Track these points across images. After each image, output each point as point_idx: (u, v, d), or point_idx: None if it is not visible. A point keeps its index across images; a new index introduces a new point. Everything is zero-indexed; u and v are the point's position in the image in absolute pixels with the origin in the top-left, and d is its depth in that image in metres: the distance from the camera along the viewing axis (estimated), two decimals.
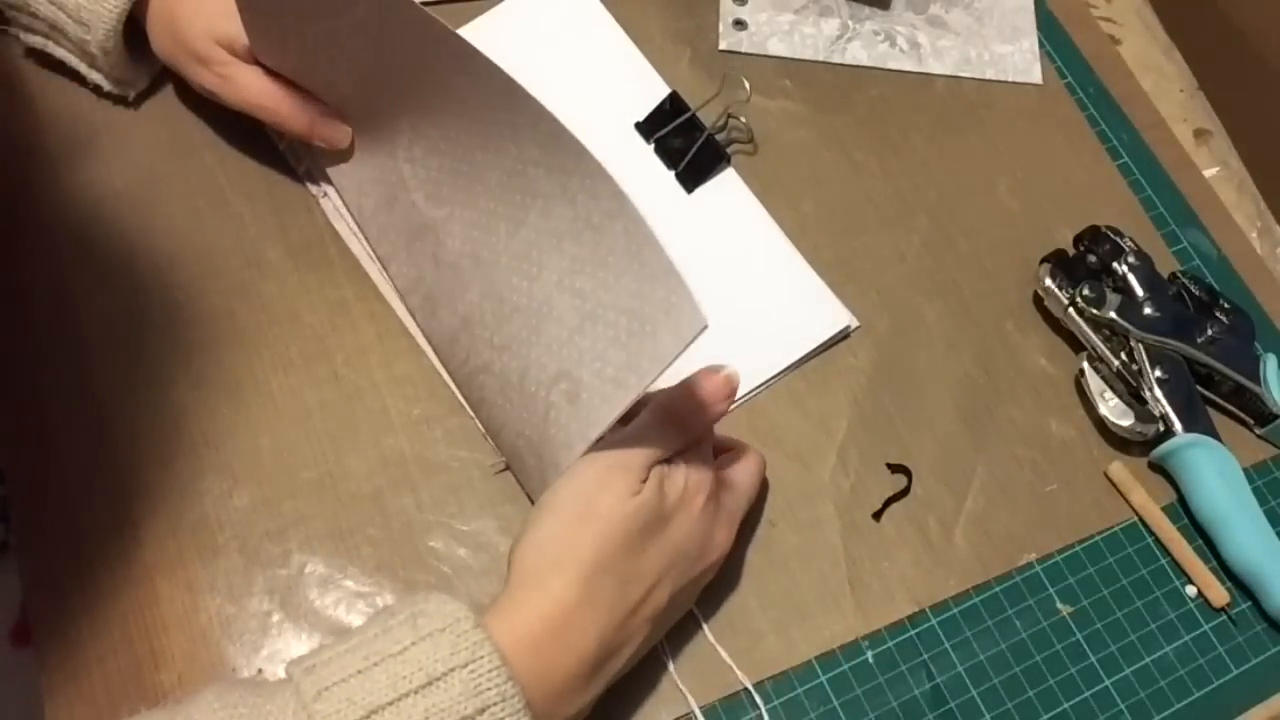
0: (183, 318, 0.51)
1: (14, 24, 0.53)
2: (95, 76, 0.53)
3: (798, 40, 0.65)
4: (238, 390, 0.50)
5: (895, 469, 0.54)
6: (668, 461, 0.44)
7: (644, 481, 0.43)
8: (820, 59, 0.65)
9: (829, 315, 0.56)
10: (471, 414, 0.51)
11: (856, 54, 0.65)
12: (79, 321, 0.51)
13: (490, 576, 0.48)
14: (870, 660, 0.49)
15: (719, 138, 0.59)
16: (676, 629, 0.48)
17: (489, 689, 0.37)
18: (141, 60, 0.53)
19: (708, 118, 0.59)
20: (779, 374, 0.55)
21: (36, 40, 0.53)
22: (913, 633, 0.50)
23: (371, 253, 0.54)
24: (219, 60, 0.50)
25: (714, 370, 0.46)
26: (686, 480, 0.44)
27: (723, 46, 0.64)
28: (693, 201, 0.58)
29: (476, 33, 0.61)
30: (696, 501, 0.44)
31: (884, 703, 0.49)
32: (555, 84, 0.58)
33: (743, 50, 0.64)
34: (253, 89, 0.51)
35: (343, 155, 0.54)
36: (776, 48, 0.65)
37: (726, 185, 0.59)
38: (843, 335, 0.56)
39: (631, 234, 0.43)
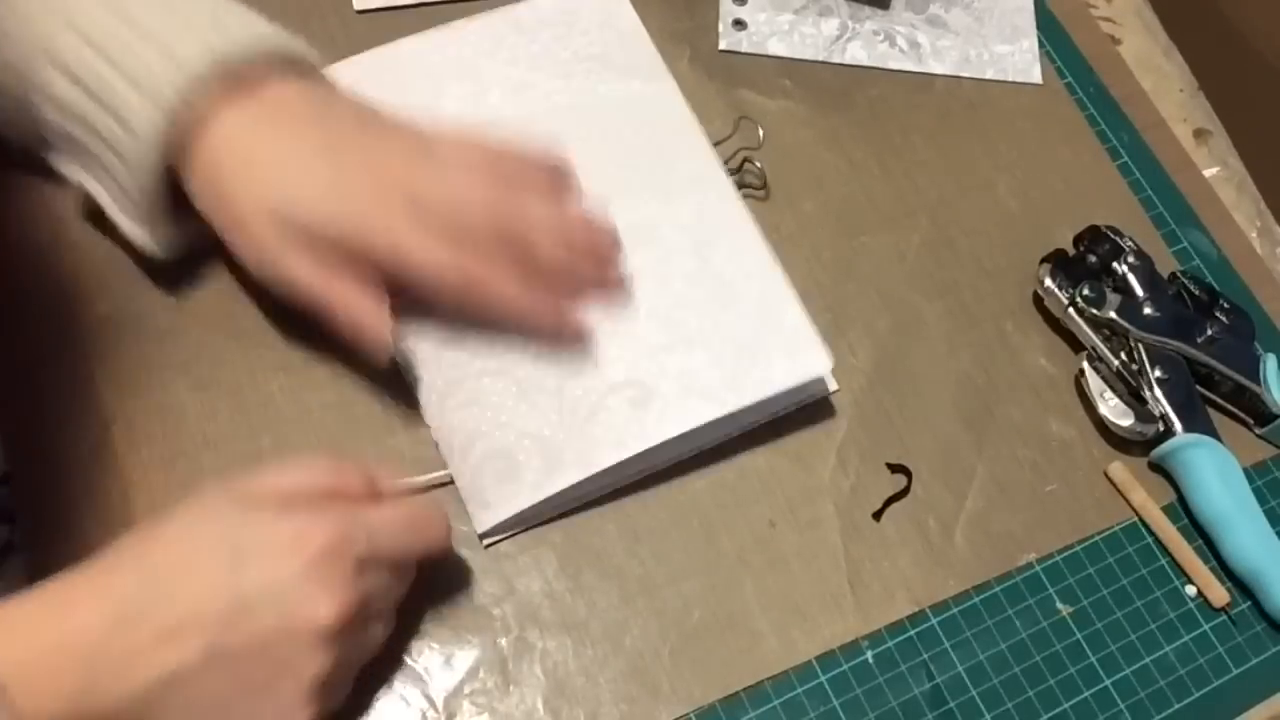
0: (183, 318, 0.51)
1: (53, 148, 0.48)
2: (126, 224, 0.47)
3: (797, 40, 0.65)
4: (238, 391, 0.50)
5: (895, 469, 0.54)
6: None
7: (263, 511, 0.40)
8: (820, 59, 0.65)
9: (805, 360, 0.51)
10: (424, 413, 0.50)
11: (856, 54, 0.65)
12: (79, 323, 0.51)
13: (490, 577, 0.48)
14: (870, 660, 0.49)
15: (732, 180, 0.56)
16: (674, 628, 0.48)
17: None
18: (186, 222, 0.47)
19: (720, 156, 0.57)
20: (734, 413, 0.50)
21: (73, 170, 0.48)
22: (913, 633, 0.50)
23: None
24: (265, 236, 0.45)
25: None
26: (323, 512, 0.40)
27: (722, 46, 0.64)
28: (695, 220, 0.54)
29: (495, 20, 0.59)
30: (318, 534, 0.39)
31: (884, 703, 0.49)
32: (572, 93, 0.58)
33: (742, 50, 0.64)
34: (298, 273, 0.45)
35: None
36: (776, 48, 0.65)
37: (731, 219, 0.55)
38: (820, 390, 0.53)
39: (766, 292, 0.52)
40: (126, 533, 0.44)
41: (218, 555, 0.39)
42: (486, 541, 0.49)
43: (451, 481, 0.49)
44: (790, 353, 0.51)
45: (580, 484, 0.48)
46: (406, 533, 0.43)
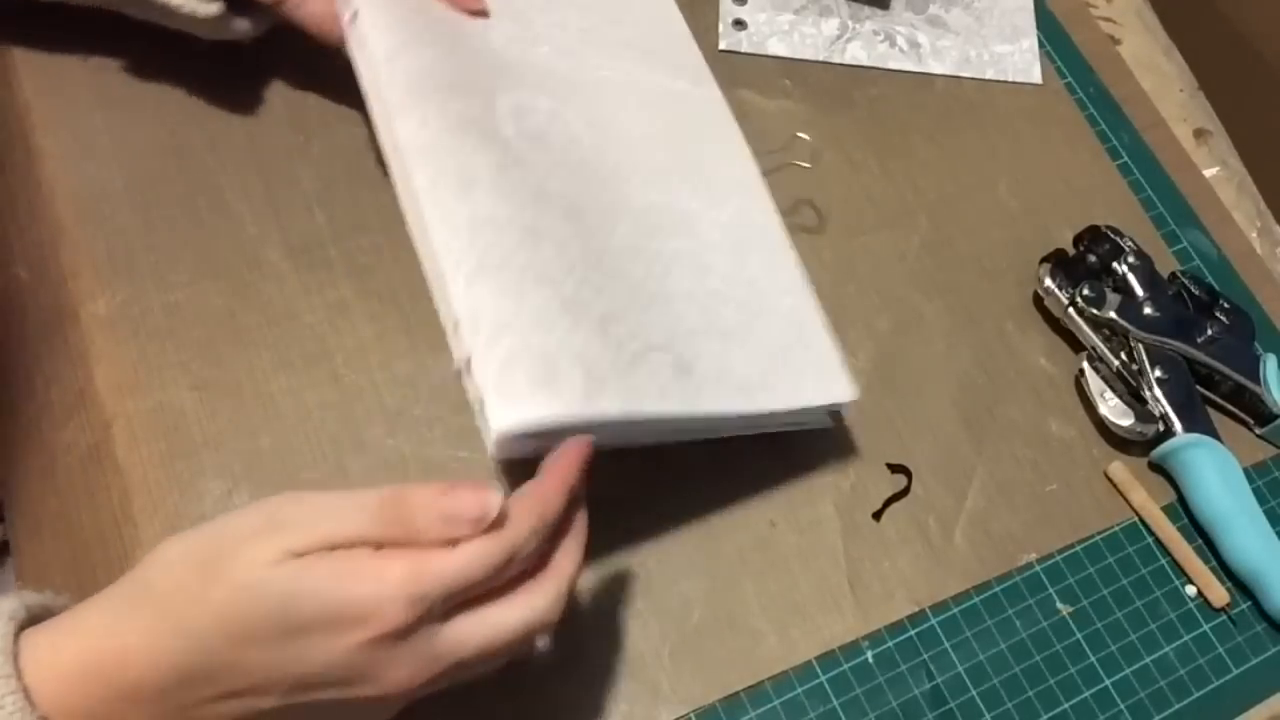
0: (183, 318, 0.51)
1: None
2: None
3: (797, 40, 0.65)
4: (238, 391, 0.50)
5: (895, 469, 0.54)
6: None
7: (311, 555, 0.34)
8: (820, 59, 0.65)
9: (833, 385, 0.50)
10: (443, 280, 0.43)
11: (856, 54, 0.65)
12: (79, 322, 0.51)
13: None
14: (870, 660, 0.49)
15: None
16: (674, 628, 0.48)
17: None
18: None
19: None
20: (760, 414, 0.48)
21: None
22: (913, 633, 0.50)
23: (379, 100, 0.48)
24: None
25: (480, 487, 0.36)
26: (383, 584, 0.34)
27: (722, 46, 0.64)
28: (735, 223, 0.53)
29: None
30: (380, 618, 0.34)
31: (884, 703, 0.49)
32: (621, 73, 0.55)
33: (742, 50, 0.64)
34: None
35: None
36: (776, 48, 0.65)
37: (770, 234, 0.54)
38: (828, 422, 0.52)
39: (797, 310, 0.51)
40: (124, 534, 0.44)
41: (273, 635, 0.34)
42: (496, 455, 0.41)
43: (467, 367, 0.42)
44: (820, 374, 0.50)
45: (615, 423, 0.43)
46: (485, 568, 0.36)
